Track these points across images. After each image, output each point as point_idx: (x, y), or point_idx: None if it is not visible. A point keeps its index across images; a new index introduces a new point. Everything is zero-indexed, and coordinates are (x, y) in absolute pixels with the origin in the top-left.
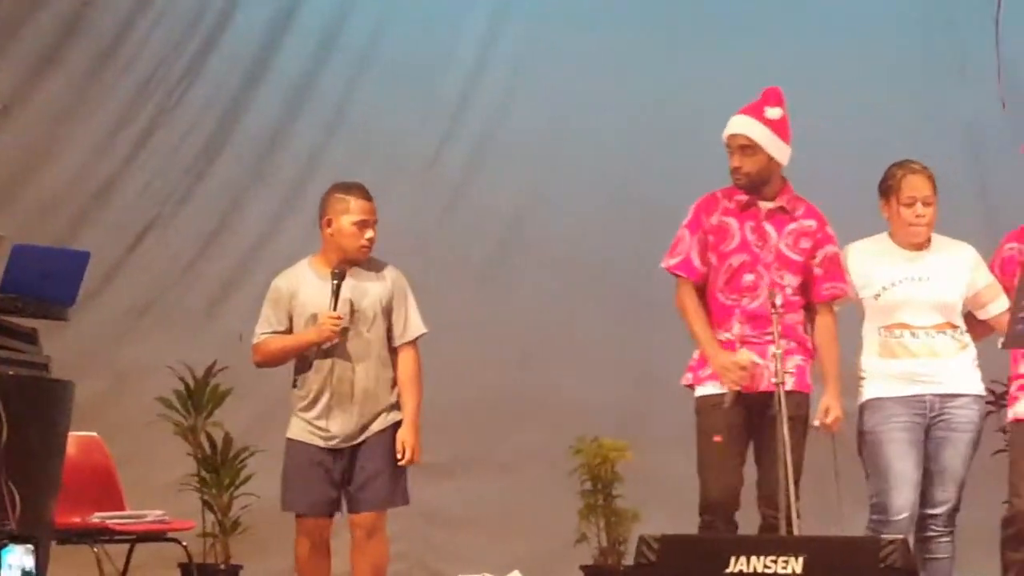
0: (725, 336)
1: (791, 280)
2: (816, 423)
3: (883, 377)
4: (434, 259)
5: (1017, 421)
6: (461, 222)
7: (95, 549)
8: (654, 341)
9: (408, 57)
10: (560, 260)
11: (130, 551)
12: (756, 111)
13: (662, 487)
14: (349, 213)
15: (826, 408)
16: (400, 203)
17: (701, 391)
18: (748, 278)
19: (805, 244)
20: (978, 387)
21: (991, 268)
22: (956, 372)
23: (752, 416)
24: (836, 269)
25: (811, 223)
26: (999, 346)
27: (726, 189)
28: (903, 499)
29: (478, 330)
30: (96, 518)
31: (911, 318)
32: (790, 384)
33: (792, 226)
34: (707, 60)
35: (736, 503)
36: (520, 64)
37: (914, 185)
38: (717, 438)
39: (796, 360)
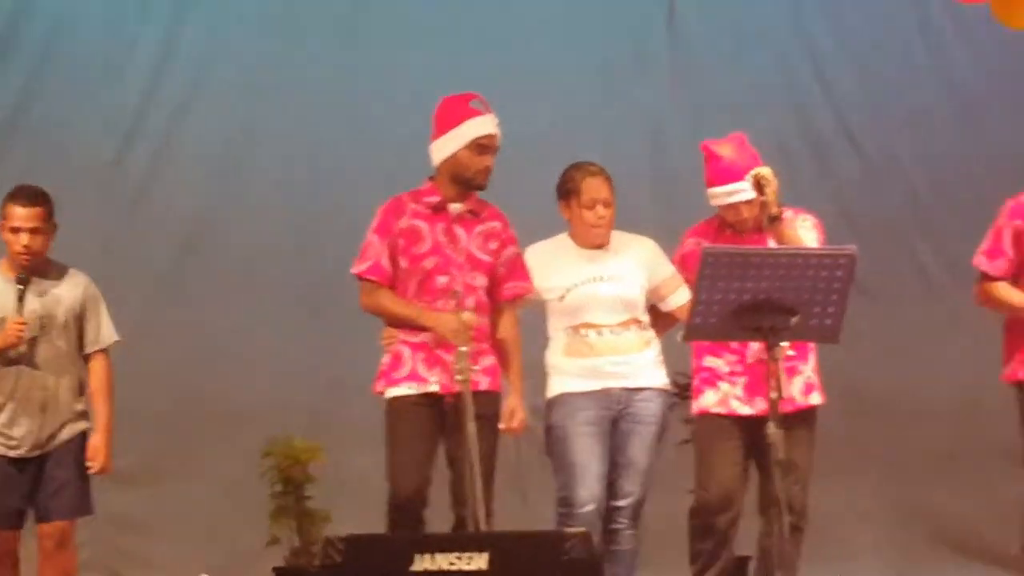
0: (419, 340)
1: (482, 281)
2: (502, 426)
3: (569, 374)
4: (118, 262)
5: (702, 414)
6: (144, 225)
7: None
8: (344, 344)
9: (89, 58)
10: (248, 263)
11: None
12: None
13: (354, 488)
14: (6, 219)
15: (511, 410)
16: (83, 206)
17: (393, 392)
18: (442, 280)
19: (492, 245)
20: (662, 380)
21: (674, 263)
22: (641, 367)
23: (445, 416)
24: (519, 269)
25: (496, 224)
26: (678, 339)
27: (413, 192)
28: (588, 492)
29: (165, 334)
30: None
31: (596, 317)
32: (484, 384)
33: (480, 228)
34: (396, 63)
35: (423, 502)
36: (202, 67)
37: (594, 187)
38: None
39: (488, 360)
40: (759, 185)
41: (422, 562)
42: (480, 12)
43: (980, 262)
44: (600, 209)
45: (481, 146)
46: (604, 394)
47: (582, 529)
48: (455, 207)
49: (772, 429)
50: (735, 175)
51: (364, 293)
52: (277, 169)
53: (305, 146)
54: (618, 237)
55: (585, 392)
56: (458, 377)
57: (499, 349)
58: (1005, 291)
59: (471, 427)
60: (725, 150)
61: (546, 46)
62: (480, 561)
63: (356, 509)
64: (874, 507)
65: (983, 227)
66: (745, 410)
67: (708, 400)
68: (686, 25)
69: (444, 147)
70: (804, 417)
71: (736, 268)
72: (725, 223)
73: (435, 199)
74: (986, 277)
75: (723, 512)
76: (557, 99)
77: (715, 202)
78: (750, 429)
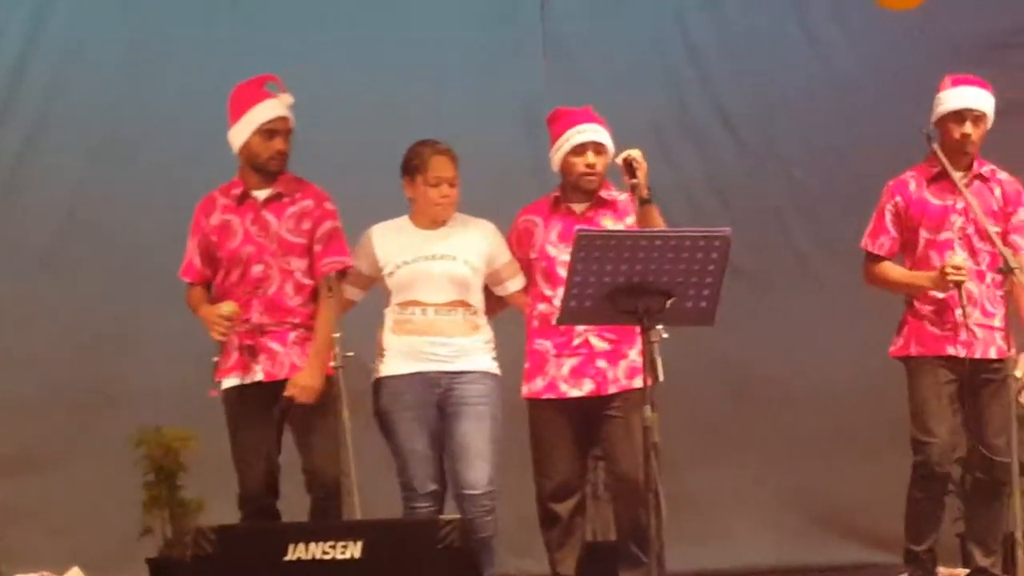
0: (243, 328)
1: (299, 264)
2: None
3: (396, 354)
4: None
5: (533, 398)
6: (19, 208)
7: None
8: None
9: None
10: (126, 248)
11: None
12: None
13: (228, 477)
14: None
15: (294, 383)
16: None
17: (225, 383)
18: (257, 269)
19: (306, 225)
20: (488, 365)
21: (509, 241)
22: (467, 350)
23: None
24: (335, 243)
25: (309, 203)
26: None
27: (224, 186)
28: (423, 473)
29: (40, 320)
30: None
31: (423, 295)
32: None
33: (292, 209)
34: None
35: (272, 492)
36: (71, 44)
37: (440, 165)
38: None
39: None
40: (630, 167)
41: (295, 551)
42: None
43: (866, 243)
44: (445, 188)
45: (269, 131)
46: (424, 377)
47: (456, 516)
48: (259, 193)
49: (648, 412)
50: (583, 117)
51: (187, 293)
52: (147, 154)
53: (185, 126)
54: (458, 219)
55: (406, 375)
56: (332, 363)
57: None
58: (889, 269)
59: (344, 411)
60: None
61: (419, 28)
62: (354, 549)
63: (232, 499)
64: (756, 490)
65: (861, 209)
66: (574, 392)
67: (537, 385)
68: (560, 6)
69: (237, 135)
70: (631, 398)
71: (609, 250)
72: (560, 200)
73: (239, 190)
74: (872, 257)
75: (564, 499)
76: (430, 81)
77: (562, 152)
78: (581, 411)
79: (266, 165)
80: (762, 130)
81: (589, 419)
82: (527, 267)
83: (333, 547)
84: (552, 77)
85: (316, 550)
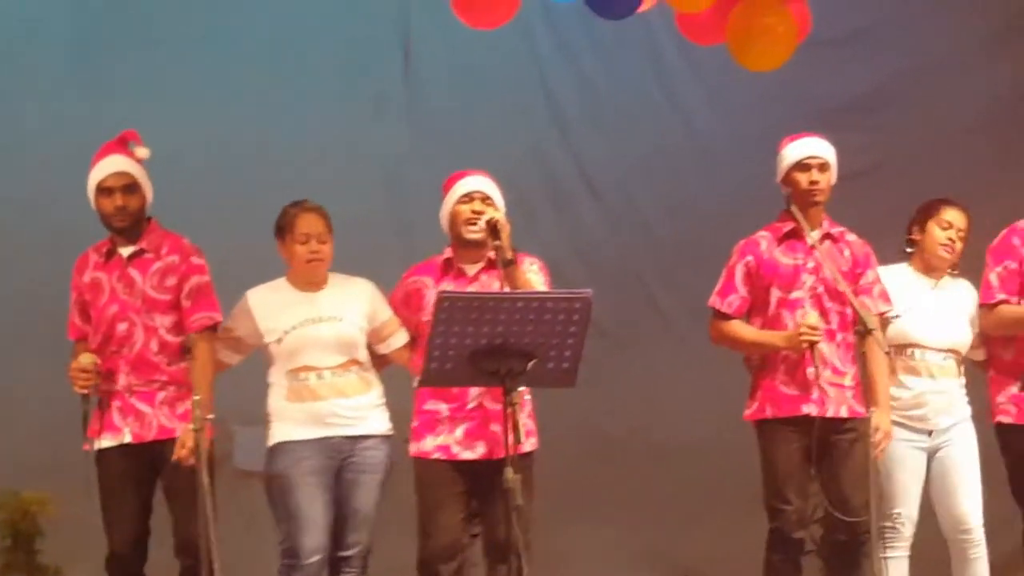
0: (111, 388)
1: (163, 321)
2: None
3: (291, 420)
4: None
5: (422, 458)
6: None
7: None
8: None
9: None
10: None
11: None
12: (125, 151)
13: (87, 539)
14: None
15: (183, 441)
16: None
17: (97, 444)
18: (122, 327)
19: (171, 281)
20: (385, 426)
21: (392, 300)
22: (364, 411)
23: (148, 468)
24: (204, 298)
25: (174, 258)
26: (414, 385)
27: (98, 244)
28: (313, 542)
29: None
30: None
31: (315, 359)
32: (180, 430)
33: (156, 265)
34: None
35: (140, 555)
36: None
37: (307, 223)
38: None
39: (186, 405)
40: (493, 229)
41: None
42: (213, 50)
43: (714, 301)
44: (314, 244)
45: (107, 189)
46: (326, 443)
47: None
48: (124, 250)
49: (509, 474)
50: (475, 173)
51: (73, 351)
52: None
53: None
54: (336, 279)
55: (307, 440)
56: (191, 426)
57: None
58: (739, 329)
59: (204, 478)
60: None
61: (282, 88)
62: None
63: (89, 561)
64: (619, 548)
65: (719, 266)
66: (467, 455)
67: (428, 445)
68: (423, 68)
69: (89, 196)
70: (522, 462)
71: (472, 312)
72: (450, 263)
73: (107, 247)
74: (720, 315)
75: (448, 561)
76: (292, 141)
77: (449, 204)
78: (472, 474)
79: (110, 222)
80: (623, 191)
81: (477, 481)
82: (415, 329)
83: None
84: (415, 141)
85: None
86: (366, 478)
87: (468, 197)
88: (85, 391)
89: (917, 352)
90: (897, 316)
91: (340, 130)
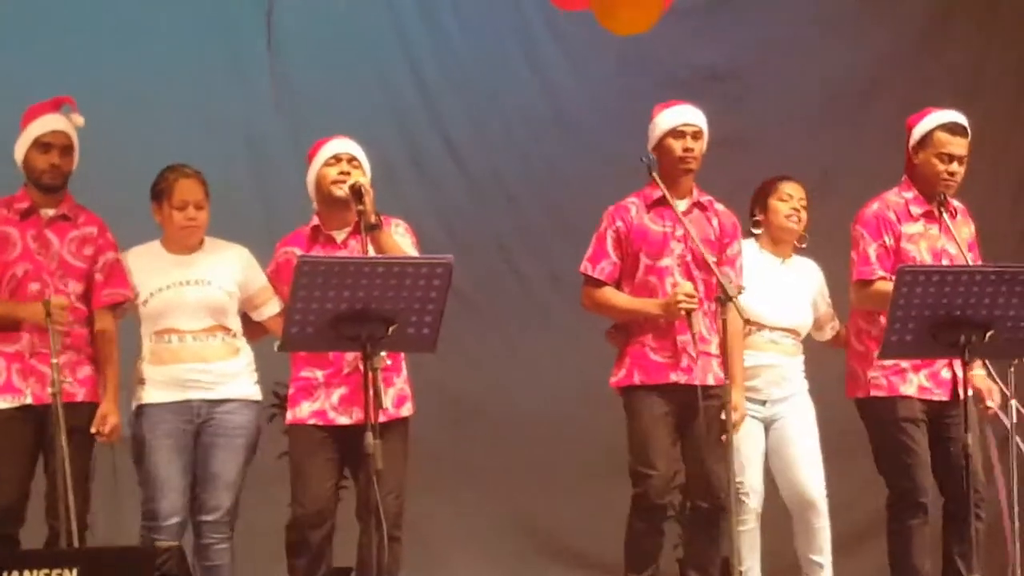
0: (14, 349)
1: (76, 288)
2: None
3: (154, 383)
4: None
5: (297, 424)
6: None
7: None
8: None
9: None
10: None
11: None
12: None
13: None
14: None
15: (103, 416)
16: None
17: None
18: (33, 287)
19: (88, 251)
20: (250, 391)
21: (268, 274)
22: (226, 376)
23: (45, 428)
24: (117, 275)
25: (92, 229)
26: (275, 348)
27: (6, 198)
28: (171, 505)
29: None
30: None
31: (179, 322)
32: (80, 395)
33: (74, 233)
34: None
35: (17, 518)
36: None
37: (186, 188)
38: None
39: (85, 371)
40: (357, 194)
41: None
42: (72, 11)
43: (586, 268)
44: (191, 211)
45: (45, 144)
46: (185, 406)
47: (175, 543)
48: (47, 212)
49: (370, 439)
50: (341, 137)
51: None
52: None
53: None
54: (211, 243)
55: (167, 403)
56: (50, 389)
57: (97, 356)
58: (612, 295)
59: (62, 439)
60: None
61: (140, 49)
62: None
63: None
64: (476, 518)
65: (583, 233)
66: (343, 420)
67: (304, 411)
68: (285, 31)
69: (19, 150)
70: (397, 427)
71: (333, 277)
72: (318, 230)
73: (24, 204)
74: (592, 282)
75: (318, 527)
76: (152, 103)
77: (316, 167)
78: (346, 439)
79: (39, 178)
80: (485, 157)
81: (351, 447)
82: (288, 299)
83: (49, 574)
84: (280, 109)
85: None
86: (224, 441)
87: (335, 159)
88: (63, 328)
89: (754, 330)
90: (741, 290)
91: (202, 97)
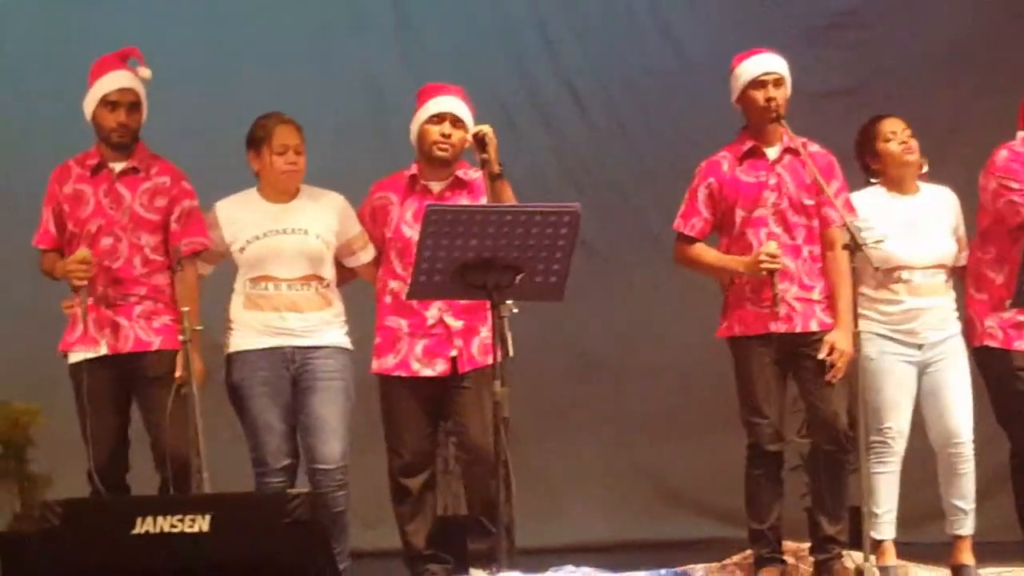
0: (92, 301)
1: (149, 240)
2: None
3: (247, 328)
4: None
5: (383, 374)
6: None
7: None
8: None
9: None
10: None
11: None
12: (127, 67)
13: (77, 450)
14: None
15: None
16: None
17: (71, 358)
18: (106, 241)
19: (160, 202)
20: (342, 340)
21: (361, 215)
22: (320, 325)
23: (124, 380)
24: (194, 224)
25: (165, 179)
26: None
27: (80, 156)
28: (276, 448)
29: None
30: None
31: (276, 270)
32: (157, 344)
33: (146, 185)
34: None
35: (122, 467)
36: None
37: (285, 134)
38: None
39: (165, 319)
40: (481, 142)
41: (143, 525)
42: None
43: (678, 224)
44: (291, 155)
45: (112, 103)
46: (278, 352)
47: (305, 490)
48: (115, 166)
49: (498, 387)
50: (448, 91)
51: (40, 260)
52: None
53: (39, 97)
54: (308, 191)
55: (261, 349)
56: (181, 337)
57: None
58: (702, 252)
59: (194, 390)
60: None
61: (261, 9)
62: (202, 523)
63: (81, 472)
64: (600, 466)
65: None
66: (427, 372)
67: (389, 362)
68: None
69: (87, 107)
70: (481, 373)
71: (460, 225)
72: (417, 178)
73: (94, 161)
74: (684, 239)
75: (414, 475)
76: (275, 61)
77: (419, 121)
78: (433, 390)
79: (108, 137)
80: (609, 108)
81: (440, 395)
82: (380, 244)
83: (181, 520)
84: (403, 55)
85: (164, 523)
86: (322, 385)
87: (438, 118)
88: (83, 283)
89: (905, 274)
90: (880, 241)
91: (325, 44)
